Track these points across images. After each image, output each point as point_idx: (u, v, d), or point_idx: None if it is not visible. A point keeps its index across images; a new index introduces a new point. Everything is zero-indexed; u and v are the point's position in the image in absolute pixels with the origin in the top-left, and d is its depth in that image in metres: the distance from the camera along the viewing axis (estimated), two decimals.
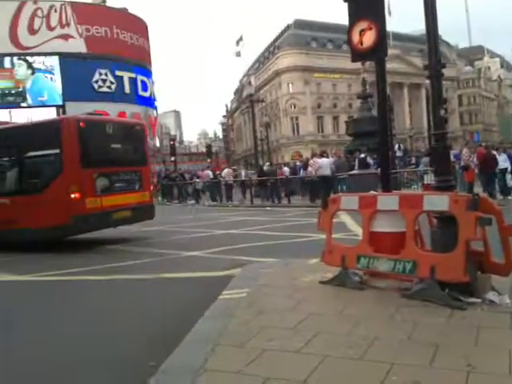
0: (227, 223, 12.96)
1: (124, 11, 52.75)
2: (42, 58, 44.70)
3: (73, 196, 8.74)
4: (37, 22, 44.97)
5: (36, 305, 5.51)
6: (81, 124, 9.20)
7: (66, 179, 8.89)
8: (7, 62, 44.40)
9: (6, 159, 10.23)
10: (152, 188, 11.00)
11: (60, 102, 45.11)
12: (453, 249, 3.93)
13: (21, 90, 44.54)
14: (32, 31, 44.98)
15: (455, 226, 3.99)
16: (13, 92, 44.47)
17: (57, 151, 9.14)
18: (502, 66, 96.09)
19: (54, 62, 44.95)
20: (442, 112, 4.85)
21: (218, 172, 25.18)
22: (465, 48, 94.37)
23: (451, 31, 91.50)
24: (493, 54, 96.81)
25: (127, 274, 6.66)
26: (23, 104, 44.22)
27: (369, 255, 4.52)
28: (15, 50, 43.93)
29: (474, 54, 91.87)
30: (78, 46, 45.66)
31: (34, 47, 44.86)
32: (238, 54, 64.26)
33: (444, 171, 4.88)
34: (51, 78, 45.09)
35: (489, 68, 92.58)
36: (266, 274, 5.56)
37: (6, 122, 11.56)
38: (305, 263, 6.00)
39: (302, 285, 4.92)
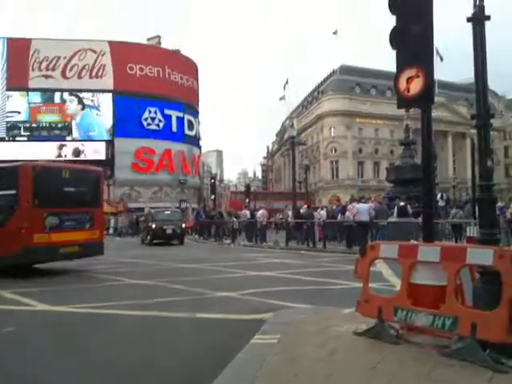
0: (262, 265, 12.87)
1: (177, 53, 55.06)
2: (89, 95, 47.26)
3: (23, 231, 10.22)
4: None
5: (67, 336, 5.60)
6: (36, 169, 10.78)
7: (19, 216, 10.40)
8: (57, 97, 47.20)
9: None
10: (104, 228, 12.77)
11: (106, 138, 47.20)
12: (495, 306, 3.74)
13: (67, 124, 47.02)
14: None
15: (499, 283, 3.81)
16: (60, 126, 46.96)
17: (14, 192, 10.63)
18: None
19: (104, 98, 47.35)
20: (489, 163, 4.75)
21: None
22: None
23: (499, 81, 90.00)
24: None
25: (161, 310, 6.69)
26: (68, 138, 46.60)
27: (407, 308, 4.36)
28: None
29: None
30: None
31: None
32: (283, 98, 65.83)
33: (489, 224, 4.73)
34: (97, 114, 47.44)
35: None
36: (299, 321, 5.45)
37: None
38: (339, 312, 5.85)
39: (336, 334, 4.78)
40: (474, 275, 4.49)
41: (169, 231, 22.62)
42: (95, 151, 46.72)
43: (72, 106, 47.10)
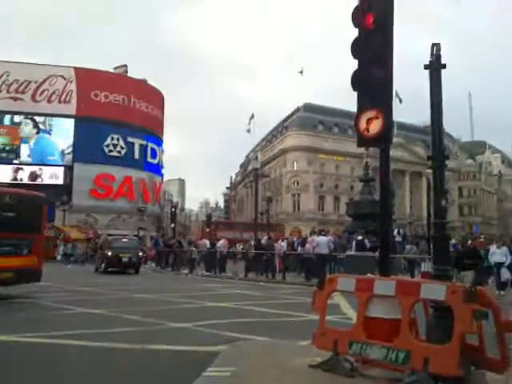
0: (219, 296, 12.67)
1: (143, 82, 55.14)
2: (46, 119, 46.43)
3: None
4: None
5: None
6: None
7: None
8: (7, 119, 46.23)
9: None
10: (43, 254, 12.50)
11: (65, 162, 46.27)
12: (447, 341, 3.79)
13: (15, 147, 45.83)
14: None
15: (451, 318, 3.88)
16: (7, 148, 45.69)
17: None
18: (502, 162, 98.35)
19: (66, 123, 46.65)
20: (443, 202, 4.91)
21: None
22: (467, 142, 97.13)
23: (454, 124, 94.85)
24: (494, 150, 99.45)
25: (110, 341, 6.40)
26: (15, 161, 45.39)
27: (361, 341, 4.35)
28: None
29: (476, 148, 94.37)
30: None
31: None
32: (249, 131, 66.90)
33: (442, 260, 4.85)
34: (50, 139, 46.80)
35: (490, 163, 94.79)
36: (254, 354, 5.34)
37: None
38: (295, 344, 5.79)
39: (291, 367, 4.70)
40: (427, 310, 4.56)
41: (125, 259, 22.00)
42: (53, 176, 45.60)
43: (27, 129, 46.12)
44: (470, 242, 17.51)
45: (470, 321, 3.75)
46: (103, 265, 22.31)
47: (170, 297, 12.02)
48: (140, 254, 23.73)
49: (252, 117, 66.65)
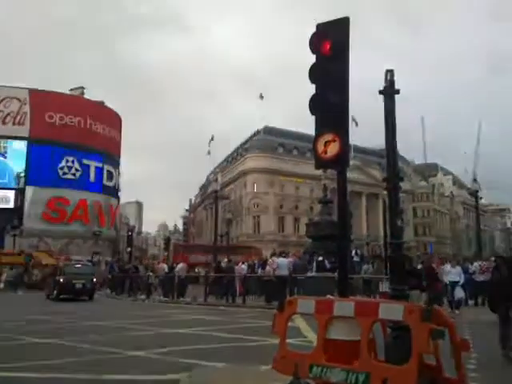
0: (177, 322, 12.37)
1: (100, 104, 54.44)
2: None
3: None
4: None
5: None
6: None
7: None
8: None
9: None
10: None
11: (16, 185, 44.82)
12: (406, 361, 3.80)
13: None
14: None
15: (409, 337, 3.90)
16: None
17: None
18: (454, 184, 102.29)
19: (18, 145, 45.33)
20: (399, 222, 5.02)
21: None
22: (420, 164, 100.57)
23: (408, 147, 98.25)
24: (446, 172, 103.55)
25: (64, 372, 6.07)
26: None
27: (322, 364, 4.30)
28: None
29: (428, 170, 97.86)
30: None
31: None
32: (209, 153, 67.17)
33: (399, 280, 4.92)
34: (3, 161, 45.37)
35: (442, 184, 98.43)
36: (214, 380, 5.20)
37: None
38: (256, 369, 5.68)
39: None
40: (385, 330, 4.58)
41: (78, 286, 21.17)
42: (3, 199, 43.95)
43: None
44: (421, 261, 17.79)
45: (427, 340, 3.78)
46: (55, 291, 21.38)
47: (126, 324, 11.62)
48: (94, 279, 22.89)
49: (212, 139, 67.00)
